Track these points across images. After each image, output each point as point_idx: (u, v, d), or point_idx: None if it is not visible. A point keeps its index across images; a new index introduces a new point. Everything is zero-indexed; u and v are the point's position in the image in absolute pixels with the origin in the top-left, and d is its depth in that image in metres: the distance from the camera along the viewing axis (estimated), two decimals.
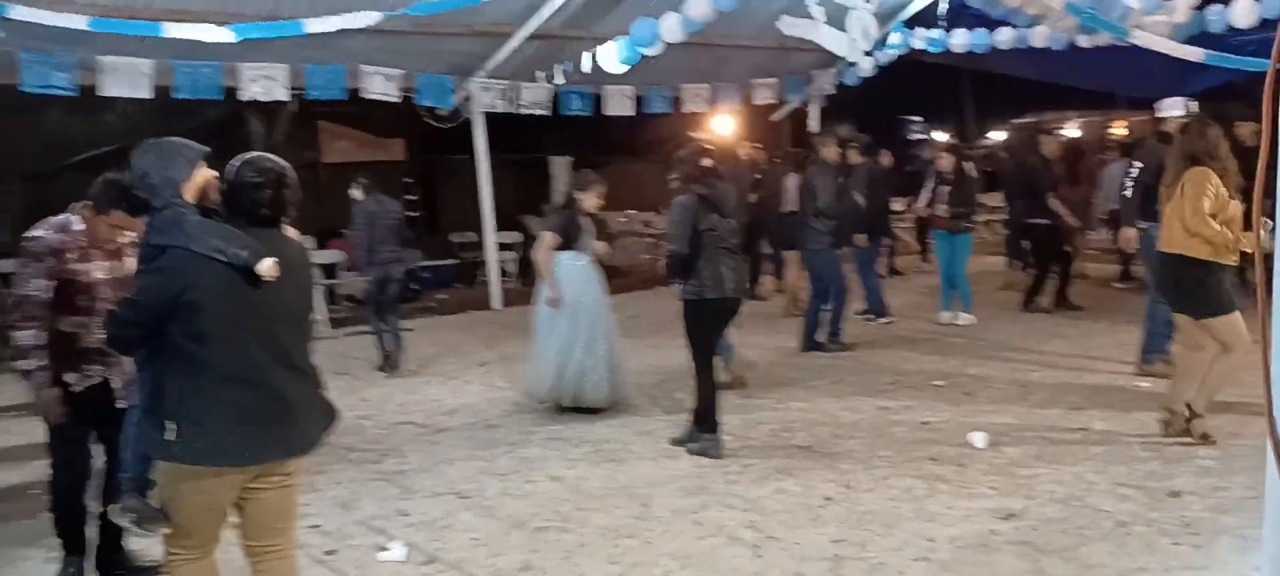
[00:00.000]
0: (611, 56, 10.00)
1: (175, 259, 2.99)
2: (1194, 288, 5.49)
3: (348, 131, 15.74)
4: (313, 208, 11.82)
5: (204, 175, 3.15)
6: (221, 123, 12.50)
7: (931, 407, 6.59)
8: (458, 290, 13.86)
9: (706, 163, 5.77)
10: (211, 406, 3.02)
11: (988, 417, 6.24)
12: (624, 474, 5.58)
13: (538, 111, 12.40)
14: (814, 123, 14.91)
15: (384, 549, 4.63)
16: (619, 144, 17.45)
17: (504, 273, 13.62)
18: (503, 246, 13.61)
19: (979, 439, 5.73)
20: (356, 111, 13.46)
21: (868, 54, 9.83)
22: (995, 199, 18.53)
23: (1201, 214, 5.36)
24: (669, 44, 9.67)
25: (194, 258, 2.98)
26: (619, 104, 12.82)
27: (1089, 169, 13.45)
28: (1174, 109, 7.39)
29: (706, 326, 5.83)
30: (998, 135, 26.12)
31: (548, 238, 6.65)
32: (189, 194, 3.11)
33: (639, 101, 13.01)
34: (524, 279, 15.09)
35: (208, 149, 3.18)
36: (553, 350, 6.67)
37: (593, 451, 5.97)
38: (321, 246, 12.41)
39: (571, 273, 6.67)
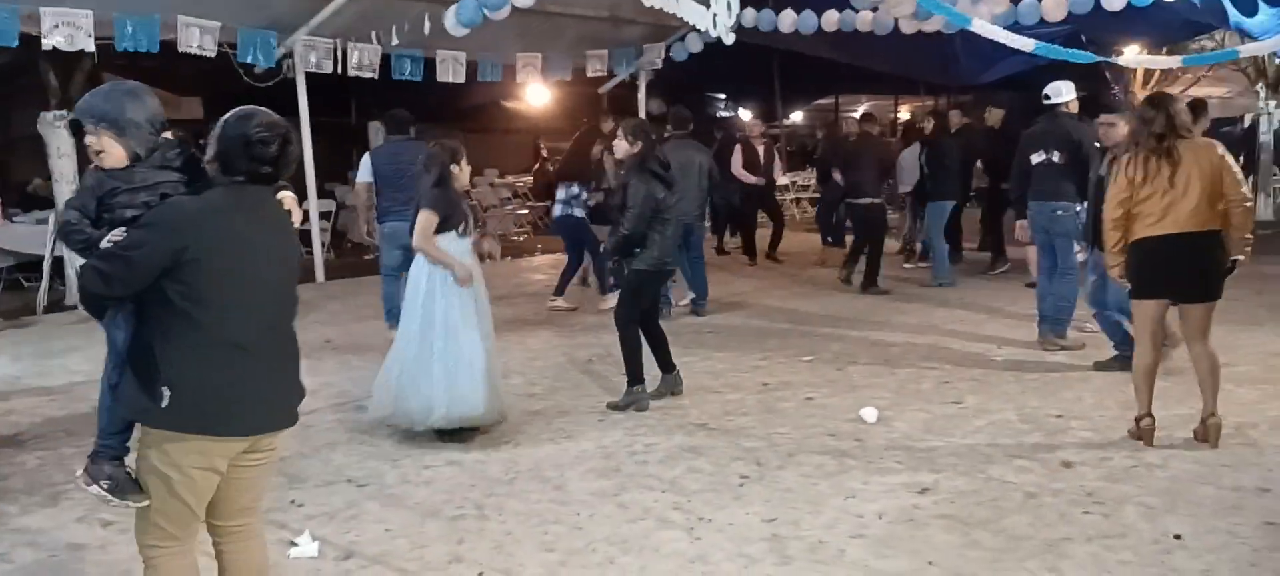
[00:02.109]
0: (452, 17, 9.68)
1: (174, 212, 2.77)
2: (1216, 267, 5.15)
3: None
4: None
5: None
6: (8, 71, 11.25)
7: (811, 384, 6.73)
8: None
9: (654, 137, 5.75)
10: (213, 371, 2.82)
11: (866, 393, 6.42)
12: (524, 456, 5.41)
13: (365, 75, 11.83)
14: (642, 96, 14.96)
15: (293, 544, 4.28)
16: (432, 112, 16.90)
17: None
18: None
19: (869, 414, 5.90)
20: (157, 66, 12.42)
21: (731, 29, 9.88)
22: (806, 177, 19.30)
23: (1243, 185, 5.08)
24: (514, 5, 9.44)
25: (189, 210, 2.77)
26: (451, 70, 12.41)
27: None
28: (1065, 93, 7.80)
29: (651, 292, 6.37)
30: (798, 116, 27.23)
31: (426, 218, 5.54)
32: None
33: (471, 69, 12.66)
34: (337, 250, 14.46)
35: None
36: (419, 359, 5.53)
37: (483, 434, 5.74)
38: None
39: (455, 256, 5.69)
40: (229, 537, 3.15)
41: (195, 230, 2.80)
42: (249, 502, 3.16)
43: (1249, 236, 5.16)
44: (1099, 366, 6.86)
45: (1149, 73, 17.64)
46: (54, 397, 6.77)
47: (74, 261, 10.08)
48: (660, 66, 14.75)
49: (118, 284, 2.84)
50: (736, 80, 22.48)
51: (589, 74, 14.32)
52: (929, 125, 12.73)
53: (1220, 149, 5.14)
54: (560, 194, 9.81)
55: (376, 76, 11.87)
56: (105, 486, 3.04)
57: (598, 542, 4.30)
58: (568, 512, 4.64)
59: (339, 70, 11.54)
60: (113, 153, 3.54)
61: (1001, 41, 9.22)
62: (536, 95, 17.84)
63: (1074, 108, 7.87)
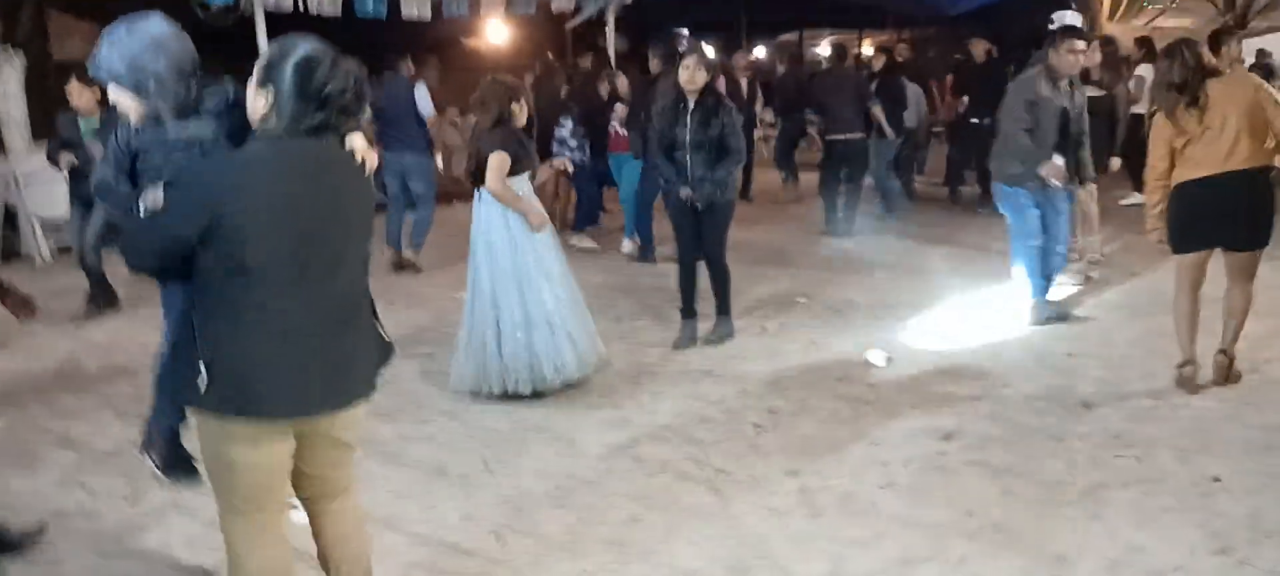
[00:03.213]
0: None
1: (208, 172, 2.48)
2: (1263, 209, 4.90)
3: (84, 26, 13.84)
4: (38, 114, 10.34)
5: None
6: None
7: (810, 327, 6.54)
8: None
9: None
10: (256, 348, 2.52)
11: (869, 335, 6.24)
12: (526, 409, 5.17)
13: (327, 12, 11.33)
14: (610, 32, 14.55)
15: (294, 507, 4.02)
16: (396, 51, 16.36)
17: None
18: None
19: (878, 357, 5.74)
20: (103, 2, 11.82)
21: None
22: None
23: None
24: None
25: (230, 163, 2.48)
26: (417, 7, 11.93)
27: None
28: (1071, 18, 7.51)
29: None
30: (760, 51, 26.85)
31: (499, 159, 5.13)
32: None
33: (437, 6, 12.19)
34: None
35: None
36: (496, 318, 5.20)
37: (478, 392, 5.48)
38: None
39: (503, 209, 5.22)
40: (319, 512, 2.93)
41: (234, 192, 2.47)
42: (332, 481, 2.90)
43: None
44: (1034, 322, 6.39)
45: (1115, 2, 17.54)
46: (12, 355, 6.40)
47: (29, 210, 9.63)
48: (629, 1, 14.34)
49: (149, 255, 2.56)
50: (700, 14, 22.08)
51: (554, 9, 13.88)
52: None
53: (1256, 80, 4.93)
54: (560, 133, 9.56)
55: (339, 14, 11.37)
56: (156, 462, 2.80)
57: (617, 498, 4.11)
58: (582, 467, 4.44)
59: (300, 7, 11.03)
60: (133, 111, 3.22)
61: None
62: (496, 32, 17.35)
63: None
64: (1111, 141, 8.26)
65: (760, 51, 26.83)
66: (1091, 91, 7.41)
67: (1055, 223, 6.32)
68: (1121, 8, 17.31)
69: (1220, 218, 4.86)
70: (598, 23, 14.94)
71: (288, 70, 2.53)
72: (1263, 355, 5.52)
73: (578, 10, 14.31)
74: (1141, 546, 3.56)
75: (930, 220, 10.33)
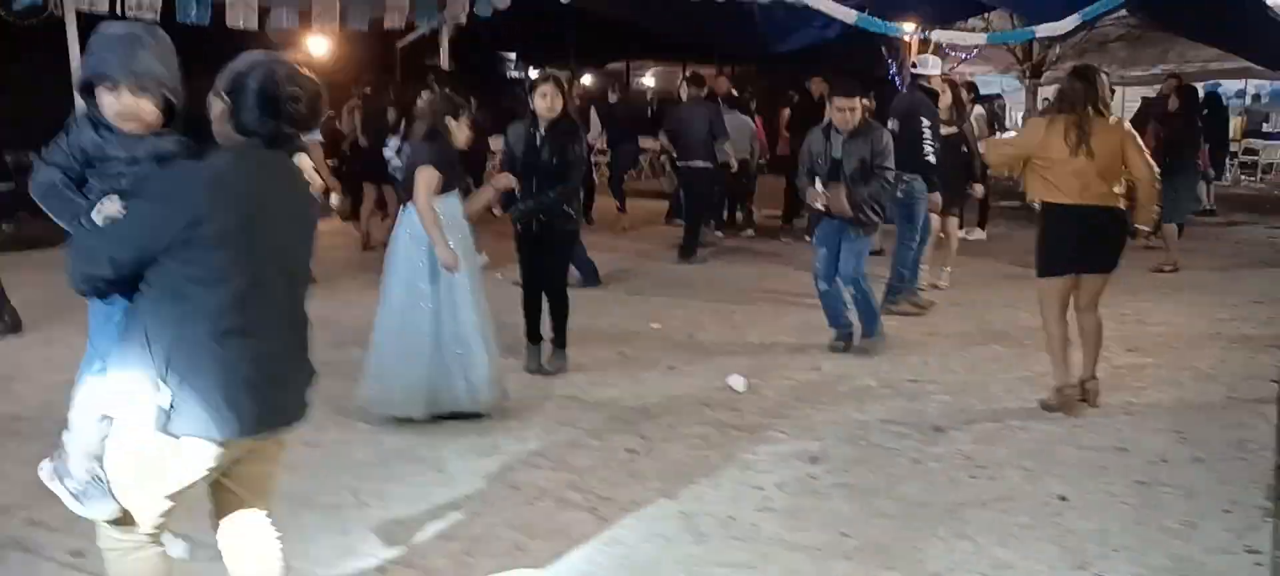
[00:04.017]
0: None
1: (185, 179, 2.42)
2: (1117, 241, 5.33)
3: None
4: None
5: None
6: None
7: (667, 352, 6.63)
8: (27, 220, 11.65)
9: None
10: (215, 363, 2.41)
11: (724, 361, 6.38)
12: (389, 436, 5.02)
13: (145, 16, 10.71)
14: (444, 52, 14.36)
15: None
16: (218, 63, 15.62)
17: None
18: None
19: (737, 382, 5.86)
20: None
21: None
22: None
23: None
24: None
25: (198, 175, 2.41)
26: (242, 15, 11.44)
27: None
28: (931, 67, 7.94)
29: None
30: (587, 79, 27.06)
31: (427, 176, 4.97)
32: None
33: (263, 15, 11.72)
34: None
35: None
36: (418, 340, 5.06)
37: (330, 415, 5.27)
38: None
39: (450, 224, 5.11)
40: (234, 534, 2.79)
41: (210, 200, 2.41)
42: (254, 499, 2.80)
43: (1156, 209, 5.47)
44: (832, 348, 6.65)
45: (923, 46, 18.61)
46: None
47: None
48: (464, 22, 14.20)
49: (105, 267, 2.40)
50: (529, 39, 22.06)
51: (387, 26, 13.59)
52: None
53: (1127, 126, 5.36)
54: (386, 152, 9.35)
55: (158, 18, 10.77)
56: (72, 487, 2.59)
57: (499, 527, 4.03)
58: (457, 496, 4.34)
59: (117, 11, 10.38)
60: (145, 115, 2.98)
61: (823, 10, 9.38)
62: (321, 46, 16.84)
63: (932, 83, 7.98)
64: (969, 173, 8.70)
65: (587, 80, 27.12)
66: (945, 130, 7.88)
67: (846, 263, 6.48)
68: (930, 52, 18.37)
69: (1082, 244, 5.28)
70: (429, 42, 14.76)
71: (249, 79, 2.51)
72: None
73: (410, 28, 14.09)
74: (1008, 563, 3.77)
75: (772, 249, 10.67)
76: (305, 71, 2.60)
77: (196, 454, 2.48)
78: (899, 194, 7.56)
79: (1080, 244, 5.29)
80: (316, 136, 8.32)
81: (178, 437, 2.44)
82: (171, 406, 2.40)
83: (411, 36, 14.42)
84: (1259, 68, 17.76)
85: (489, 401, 5.21)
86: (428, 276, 5.05)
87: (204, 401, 2.41)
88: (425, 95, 5.34)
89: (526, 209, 5.81)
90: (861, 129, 6.33)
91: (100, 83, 2.98)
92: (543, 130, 5.77)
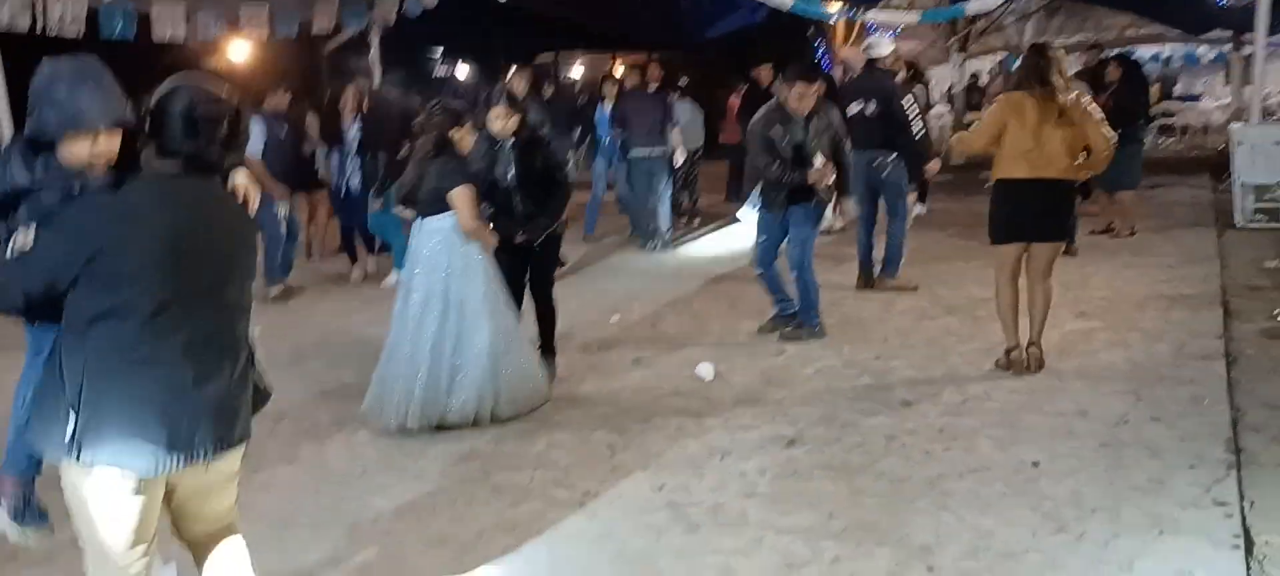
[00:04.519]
0: None
1: (86, 210, 2.44)
2: (1069, 212, 5.79)
3: None
4: None
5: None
6: None
7: (631, 344, 6.67)
8: None
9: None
10: (129, 391, 2.41)
11: (691, 350, 6.43)
12: (362, 447, 4.99)
13: (69, 33, 10.41)
14: (375, 54, 14.18)
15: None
16: (146, 79, 15.23)
17: None
18: None
19: (706, 370, 5.91)
20: None
21: None
22: None
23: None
24: None
25: (110, 206, 2.41)
26: (170, 26, 11.18)
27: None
28: (884, 49, 8.04)
29: None
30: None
31: (467, 194, 5.08)
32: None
33: (192, 25, 11.47)
34: None
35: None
36: (420, 351, 5.06)
37: (301, 431, 5.23)
38: None
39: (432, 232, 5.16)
40: (202, 557, 2.81)
41: (118, 232, 2.42)
42: (213, 524, 2.80)
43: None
44: (762, 330, 6.78)
45: (850, 27, 18.87)
46: None
47: None
48: (392, 22, 14.04)
49: (27, 295, 2.40)
50: (455, 36, 21.86)
51: (315, 30, 13.38)
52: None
53: (1085, 100, 5.55)
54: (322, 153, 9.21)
55: (82, 35, 10.48)
56: (5, 508, 2.57)
57: (489, 531, 4.03)
58: (440, 501, 4.33)
59: (39, 28, 10.08)
60: (113, 150, 2.98)
61: None
62: (245, 54, 16.50)
63: (888, 63, 8.08)
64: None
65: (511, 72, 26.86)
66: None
67: (793, 250, 6.55)
68: (855, 34, 18.64)
69: (1036, 215, 5.53)
70: (357, 43, 14.57)
71: (168, 104, 2.53)
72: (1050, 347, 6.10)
73: (338, 31, 13.89)
74: (990, 531, 3.88)
75: (724, 234, 10.77)
76: (225, 91, 2.62)
77: (112, 485, 2.47)
78: (886, 175, 7.77)
79: (1035, 215, 5.53)
80: (258, 147, 8.18)
81: (90, 467, 2.45)
82: (79, 435, 2.41)
83: (339, 39, 14.23)
84: (1172, 33, 18.36)
85: (480, 414, 5.11)
86: (442, 294, 5.07)
87: (115, 431, 2.43)
88: (430, 107, 5.27)
89: (521, 230, 5.65)
90: (817, 111, 6.42)
91: (79, 131, 2.95)
92: (509, 148, 5.64)
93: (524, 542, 3.92)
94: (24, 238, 2.66)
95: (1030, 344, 5.69)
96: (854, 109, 7.85)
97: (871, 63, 8.11)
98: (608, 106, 11.10)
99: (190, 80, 2.62)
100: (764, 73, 11.67)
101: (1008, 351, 5.70)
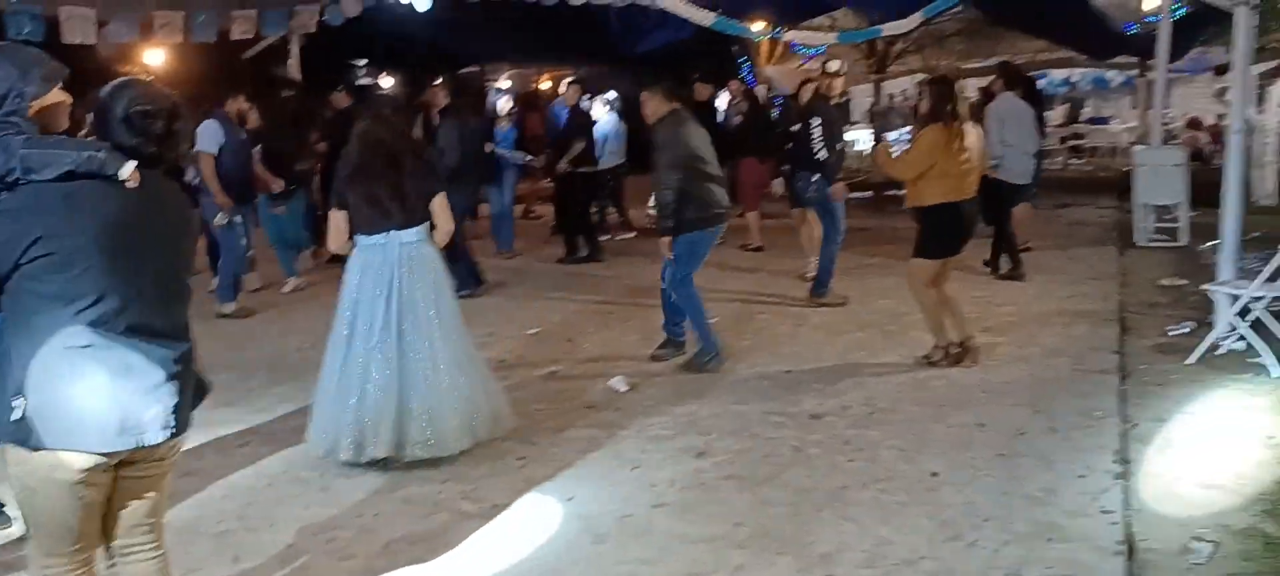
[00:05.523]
0: None
1: (26, 197, 2.42)
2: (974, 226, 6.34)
3: None
4: None
5: (58, 98, 2.60)
6: None
7: (547, 359, 6.69)
8: None
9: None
10: (75, 376, 2.45)
11: (604, 364, 6.48)
12: (269, 458, 4.96)
13: None
14: (294, 62, 14.03)
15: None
16: None
17: None
18: None
19: (620, 383, 5.97)
20: None
21: None
22: None
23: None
24: None
25: (50, 193, 2.43)
26: (80, 30, 10.92)
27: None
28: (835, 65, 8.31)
29: None
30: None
31: (445, 200, 4.89)
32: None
33: (102, 28, 11.22)
34: None
35: (67, 69, 2.64)
36: (354, 379, 4.70)
37: (207, 440, 5.15)
38: None
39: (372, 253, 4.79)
40: (129, 559, 2.79)
41: (58, 219, 2.46)
42: (148, 520, 2.81)
43: None
44: (654, 356, 6.61)
45: (773, 45, 19.15)
46: None
47: None
48: (313, 30, 13.88)
49: None
50: (383, 46, 21.65)
51: (235, 36, 13.18)
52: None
53: (978, 128, 6.17)
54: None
55: None
56: None
57: (397, 543, 4.03)
58: (349, 516, 4.31)
59: None
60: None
61: (680, 13, 9.55)
62: (159, 58, 16.14)
63: (825, 87, 8.40)
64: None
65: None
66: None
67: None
68: (779, 52, 18.94)
69: (965, 234, 6.23)
70: (277, 51, 14.40)
71: (108, 101, 2.62)
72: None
73: (258, 37, 13.70)
74: (889, 539, 3.98)
75: (648, 248, 10.82)
76: (163, 90, 2.72)
77: (59, 469, 2.52)
78: (809, 195, 8.05)
79: (964, 233, 6.16)
80: (212, 148, 7.97)
81: (34, 452, 2.49)
82: (25, 420, 2.46)
83: (259, 46, 14.04)
84: (1082, 58, 18.98)
85: (417, 448, 4.71)
86: (382, 315, 4.69)
87: (59, 416, 2.48)
88: (368, 118, 5.06)
89: None
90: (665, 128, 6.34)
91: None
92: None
93: (432, 556, 3.92)
94: None
95: (968, 339, 6.19)
96: (792, 129, 8.22)
97: (802, 85, 8.42)
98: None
99: (130, 79, 2.74)
100: (702, 89, 11.89)
101: (946, 348, 6.21)
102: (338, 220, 4.82)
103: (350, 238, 4.81)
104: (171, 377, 2.61)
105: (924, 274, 6.17)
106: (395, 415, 4.64)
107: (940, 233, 6.11)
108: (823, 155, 7.82)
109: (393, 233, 4.74)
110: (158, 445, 2.62)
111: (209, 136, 8.03)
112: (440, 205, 4.88)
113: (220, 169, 8.03)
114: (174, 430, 2.64)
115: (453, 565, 3.86)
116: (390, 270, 4.72)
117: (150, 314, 2.59)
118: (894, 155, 6.45)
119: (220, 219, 8.09)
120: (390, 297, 4.70)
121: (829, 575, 3.72)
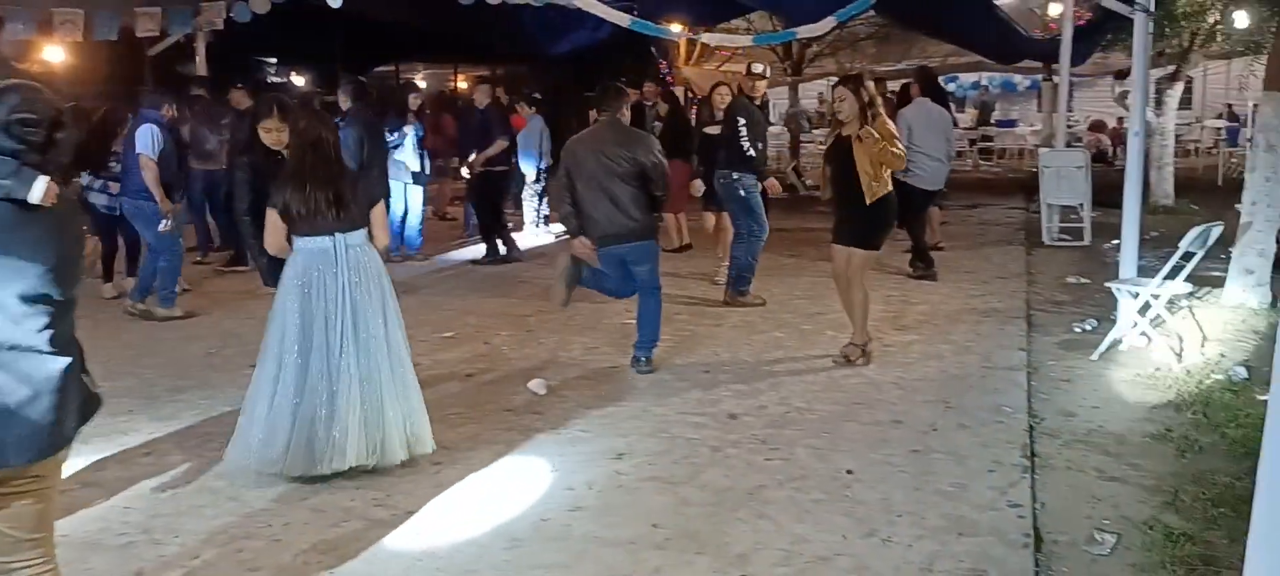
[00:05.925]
0: None
1: None
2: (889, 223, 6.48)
3: None
4: None
5: None
6: None
7: (464, 362, 6.61)
8: None
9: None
10: None
11: (521, 366, 6.43)
12: (173, 466, 4.81)
13: None
14: (201, 59, 13.66)
15: None
16: None
17: None
18: None
19: (538, 386, 5.92)
20: None
21: None
22: None
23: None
24: None
25: None
26: None
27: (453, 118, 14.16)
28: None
29: None
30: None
31: (383, 208, 4.80)
32: None
33: None
34: None
35: None
36: (285, 393, 4.49)
37: (108, 450, 4.99)
38: None
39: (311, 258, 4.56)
40: (6, 574, 2.68)
41: None
42: (32, 535, 2.68)
43: None
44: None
45: (691, 47, 19.26)
46: None
47: None
48: (220, 26, 13.54)
49: None
50: (294, 45, 21.22)
51: (139, 34, 12.80)
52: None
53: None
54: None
55: None
56: None
57: (308, 553, 3.93)
58: (257, 525, 4.19)
59: None
60: None
61: (597, 13, 9.52)
62: (59, 56, 15.58)
63: (750, 88, 8.40)
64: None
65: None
66: (713, 128, 8.47)
67: None
68: (696, 54, 19.07)
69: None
70: (183, 49, 14.04)
71: None
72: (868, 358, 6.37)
73: (163, 34, 13.32)
74: (805, 537, 4.01)
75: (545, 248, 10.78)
76: (49, 97, 2.62)
77: None
78: (726, 193, 8.08)
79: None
80: (153, 152, 7.67)
81: None
82: None
83: (164, 43, 13.66)
84: (990, 62, 19.44)
85: (348, 462, 4.49)
86: (334, 322, 4.49)
87: None
88: (302, 115, 4.85)
89: None
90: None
91: None
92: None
93: (343, 564, 3.83)
94: None
95: (868, 341, 6.47)
96: (710, 130, 8.33)
97: (715, 88, 8.52)
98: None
99: (11, 86, 2.60)
100: (650, 89, 11.96)
101: (863, 347, 6.38)
102: (275, 221, 4.60)
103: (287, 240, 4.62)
104: (57, 392, 2.52)
105: (867, 265, 6.42)
106: (346, 426, 4.46)
107: (886, 223, 6.38)
108: (752, 153, 7.86)
109: (338, 236, 4.55)
110: (28, 465, 2.51)
111: (149, 140, 7.70)
112: (379, 215, 4.74)
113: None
114: (51, 448, 2.55)
115: (363, 573, 3.78)
116: (337, 275, 4.53)
117: (32, 323, 2.50)
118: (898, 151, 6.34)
119: (164, 225, 7.80)
120: (341, 304, 4.50)
121: (745, 574, 3.73)
